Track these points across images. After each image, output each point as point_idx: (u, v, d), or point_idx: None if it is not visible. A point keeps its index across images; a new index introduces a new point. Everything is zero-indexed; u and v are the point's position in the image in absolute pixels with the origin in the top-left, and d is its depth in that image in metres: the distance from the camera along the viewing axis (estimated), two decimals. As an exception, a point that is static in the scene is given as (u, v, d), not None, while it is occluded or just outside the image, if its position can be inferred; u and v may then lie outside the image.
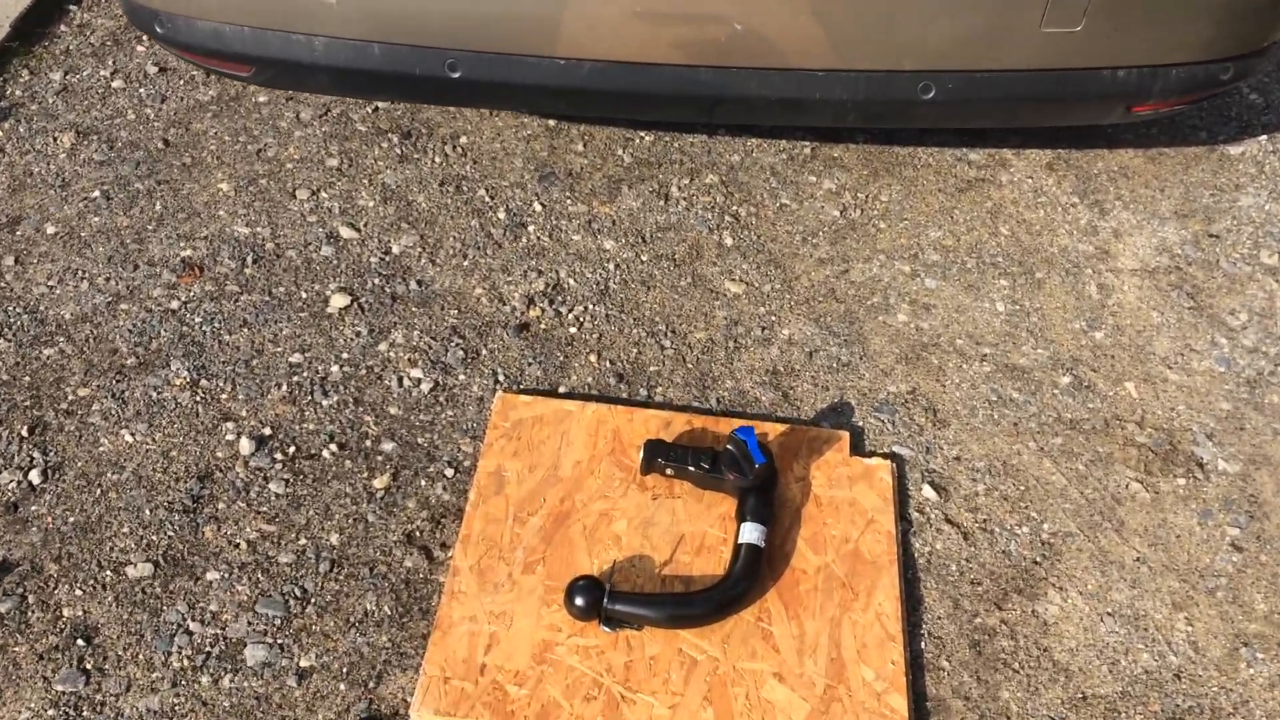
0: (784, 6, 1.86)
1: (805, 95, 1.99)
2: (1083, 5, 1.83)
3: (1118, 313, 2.35)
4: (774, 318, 2.31)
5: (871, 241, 2.51)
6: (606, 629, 1.73)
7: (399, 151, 2.66)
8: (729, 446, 1.90)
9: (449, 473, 1.99)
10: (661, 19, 1.91)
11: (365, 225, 2.47)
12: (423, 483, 1.97)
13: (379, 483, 1.97)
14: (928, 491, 2.00)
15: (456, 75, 1.98)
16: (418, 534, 1.90)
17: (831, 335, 2.28)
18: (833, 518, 1.92)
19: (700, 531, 1.89)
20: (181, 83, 2.82)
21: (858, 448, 2.07)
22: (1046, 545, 1.93)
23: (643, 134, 2.75)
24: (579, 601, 1.71)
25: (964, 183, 2.65)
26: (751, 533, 1.81)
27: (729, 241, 2.49)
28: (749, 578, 1.77)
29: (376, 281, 2.33)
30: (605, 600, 1.71)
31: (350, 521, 1.91)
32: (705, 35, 1.92)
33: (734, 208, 2.57)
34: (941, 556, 1.91)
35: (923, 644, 1.79)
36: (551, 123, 2.76)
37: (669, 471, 1.93)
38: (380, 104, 2.77)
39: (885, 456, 2.05)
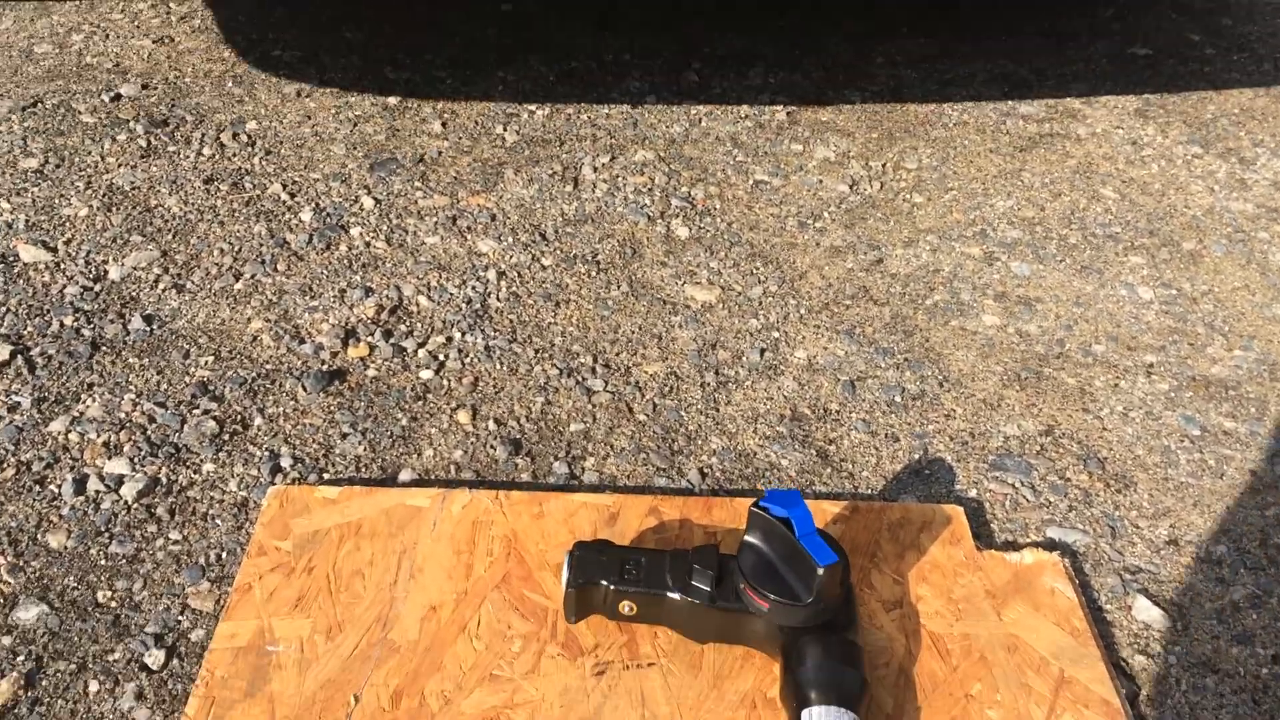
0: None
1: None
2: None
3: (1336, 288, 1.43)
4: (778, 333, 1.34)
5: (909, 220, 1.57)
6: None
7: (144, 144, 1.67)
8: (751, 539, 0.89)
9: (153, 659, 0.92)
10: None
11: (69, 242, 1.44)
12: (91, 687, 0.90)
13: (-10, 693, 0.89)
14: (1145, 610, 1.00)
15: None
16: (58, 807, 0.82)
17: (881, 354, 1.30)
18: (983, 680, 0.90)
19: (708, 738, 0.85)
20: None
21: (983, 539, 1.07)
22: None
23: (532, 107, 1.81)
24: None
25: (1024, 140, 1.75)
26: (832, 733, 0.78)
27: (683, 232, 1.53)
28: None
29: (68, 322, 1.30)
30: None
31: (-102, 792, 0.82)
32: None
33: (684, 189, 1.62)
34: (1226, 744, 0.89)
35: None
36: (392, 100, 1.80)
37: (626, 608, 0.90)
38: (124, 89, 1.79)
39: (1041, 548, 1.05)
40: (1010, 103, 1.85)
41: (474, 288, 1.39)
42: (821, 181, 1.65)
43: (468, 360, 1.27)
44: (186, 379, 1.23)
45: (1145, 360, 1.31)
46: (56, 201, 1.53)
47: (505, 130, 1.75)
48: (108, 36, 1.94)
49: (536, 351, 1.29)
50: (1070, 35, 2.04)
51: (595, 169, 1.66)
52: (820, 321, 1.36)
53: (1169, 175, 1.66)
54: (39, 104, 1.76)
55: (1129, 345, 1.33)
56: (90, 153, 1.64)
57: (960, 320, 1.37)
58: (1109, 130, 1.77)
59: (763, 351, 1.31)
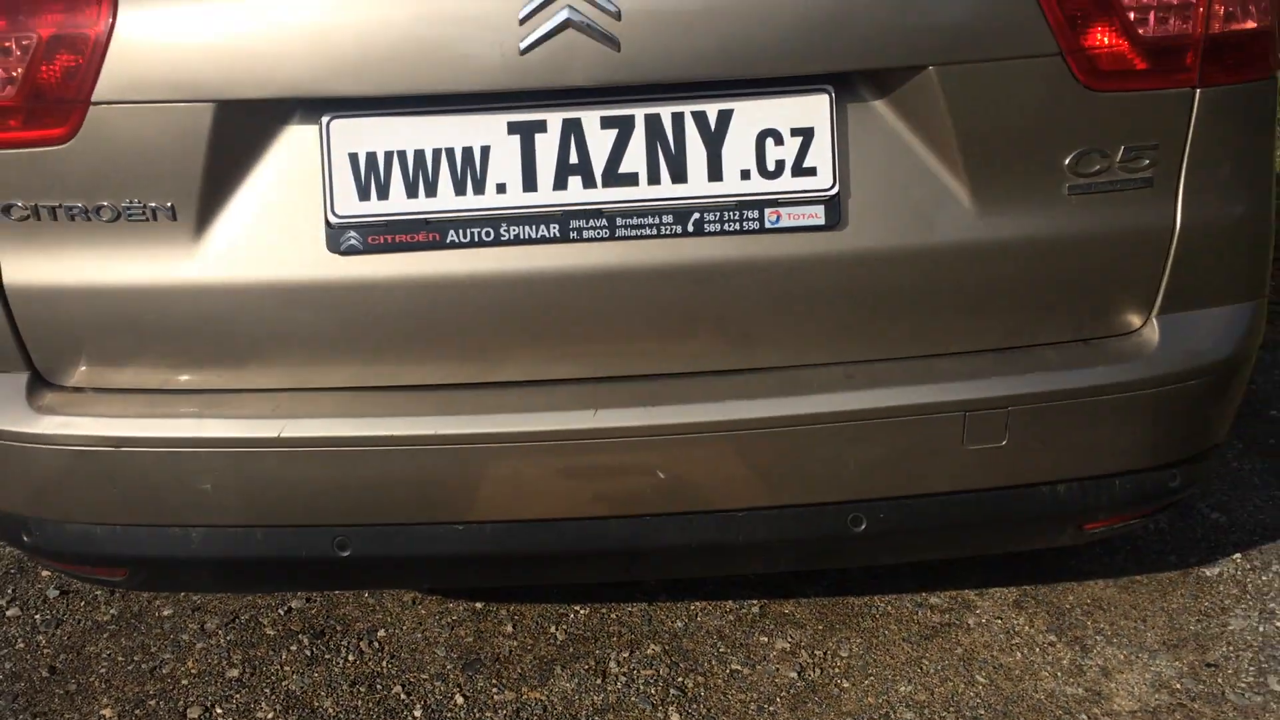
0: (710, 448, 1.74)
1: (729, 539, 1.83)
2: (1003, 418, 1.74)
3: (1129, 762, 2.03)
4: (733, 806, 1.97)
5: (835, 704, 2.22)
6: None
7: (309, 653, 2.42)
8: None
9: None
10: (575, 474, 1.78)
11: (262, 740, 2.17)
12: None
13: None
14: None
15: (346, 554, 1.82)
16: None
17: (803, 822, 1.93)
18: None
19: None
20: (82, 604, 2.63)
21: None
22: None
23: (578, 607, 2.54)
24: None
25: (929, 629, 2.42)
26: None
27: (675, 719, 2.20)
28: None
29: (266, 806, 2.00)
30: None
31: None
32: (620, 485, 1.79)
33: (679, 679, 2.31)
34: None
35: None
36: (478, 605, 2.56)
37: None
38: (293, 604, 2.58)
39: None
40: (923, 593, 2.54)
41: (530, 772, 2.06)
42: (778, 670, 2.33)
43: (524, 833, 1.92)
44: None
45: (984, 825, 1.91)
46: (252, 707, 2.26)
47: (557, 628, 2.48)
48: (282, 559, 2.75)
49: (569, 825, 1.94)
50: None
51: (619, 663, 2.36)
52: (764, 795, 1.99)
53: (1028, 662, 2.31)
54: (236, 619, 2.55)
55: (974, 812, 1.93)
56: (272, 662, 2.40)
57: (861, 792, 1.99)
58: (991, 620, 2.44)
59: (721, 821, 1.94)
